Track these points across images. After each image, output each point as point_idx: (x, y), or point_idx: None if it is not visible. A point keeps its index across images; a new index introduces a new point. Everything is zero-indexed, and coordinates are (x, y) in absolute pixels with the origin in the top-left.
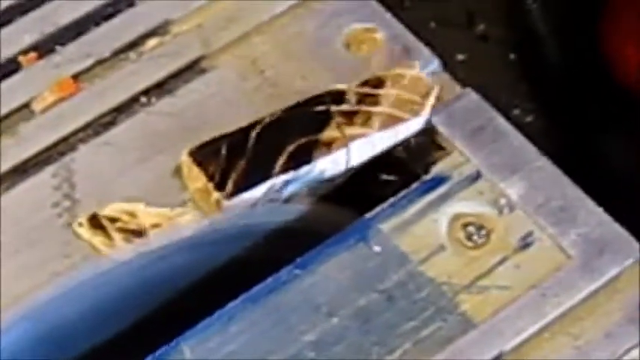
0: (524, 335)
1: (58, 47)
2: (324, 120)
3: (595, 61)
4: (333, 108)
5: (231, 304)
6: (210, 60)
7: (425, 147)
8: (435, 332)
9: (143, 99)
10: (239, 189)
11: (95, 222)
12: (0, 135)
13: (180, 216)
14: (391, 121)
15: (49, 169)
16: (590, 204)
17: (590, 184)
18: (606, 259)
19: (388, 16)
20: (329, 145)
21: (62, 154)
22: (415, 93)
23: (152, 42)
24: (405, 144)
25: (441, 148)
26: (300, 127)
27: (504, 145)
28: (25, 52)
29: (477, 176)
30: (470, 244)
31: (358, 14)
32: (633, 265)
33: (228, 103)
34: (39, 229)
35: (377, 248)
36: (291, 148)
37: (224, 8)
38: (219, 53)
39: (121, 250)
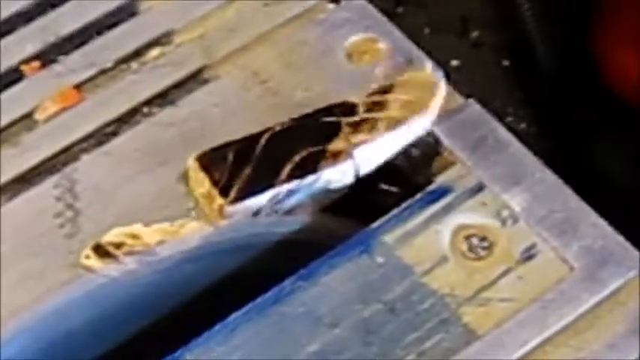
0: (527, 347)
1: (60, 57)
2: (333, 131)
3: (589, 68)
4: (343, 120)
5: (234, 315)
6: (212, 70)
7: (427, 158)
8: (437, 344)
9: (145, 109)
10: (242, 195)
11: (101, 251)
12: (2, 144)
13: (181, 228)
14: (397, 123)
15: (52, 179)
16: (592, 216)
17: (584, 190)
18: (609, 271)
19: (390, 26)
20: (336, 156)
21: (64, 164)
22: (422, 94)
23: (154, 52)
24: (407, 154)
25: (443, 159)
26: (309, 137)
27: (506, 156)
28: (27, 61)
29: (479, 188)
30: (473, 255)
31: (360, 25)
32: (636, 278)
33: (231, 113)
34: (41, 239)
35: (380, 260)
36: (297, 157)
37: (226, 18)
38: (222, 63)
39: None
